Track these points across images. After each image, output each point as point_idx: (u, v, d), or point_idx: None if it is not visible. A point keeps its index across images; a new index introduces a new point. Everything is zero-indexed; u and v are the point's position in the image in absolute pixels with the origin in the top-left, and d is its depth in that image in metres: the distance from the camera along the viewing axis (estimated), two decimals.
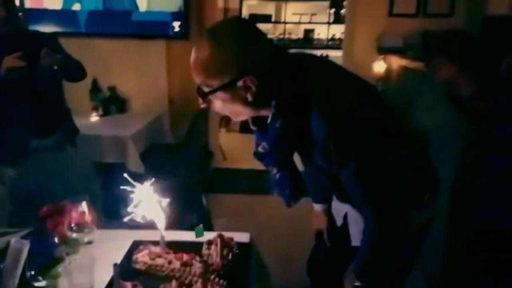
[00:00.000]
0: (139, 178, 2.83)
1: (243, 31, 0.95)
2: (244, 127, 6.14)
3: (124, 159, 2.76)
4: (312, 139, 0.98)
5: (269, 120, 1.02)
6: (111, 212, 2.05)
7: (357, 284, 1.09)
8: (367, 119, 0.96)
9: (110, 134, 2.78)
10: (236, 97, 0.96)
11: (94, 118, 3.08)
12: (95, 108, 3.13)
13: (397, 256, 1.07)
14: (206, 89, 0.97)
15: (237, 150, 5.00)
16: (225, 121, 6.06)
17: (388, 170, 0.99)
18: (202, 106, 1.02)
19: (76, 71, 2.13)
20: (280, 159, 1.11)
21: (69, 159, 2.07)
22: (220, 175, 4.06)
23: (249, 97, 0.96)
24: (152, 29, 3.07)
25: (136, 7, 3.03)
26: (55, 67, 1.90)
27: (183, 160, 3.27)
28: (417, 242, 1.20)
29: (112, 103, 3.25)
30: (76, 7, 3.07)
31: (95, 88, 3.18)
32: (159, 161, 3.14)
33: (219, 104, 1.00)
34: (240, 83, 0.93)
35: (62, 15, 3.08)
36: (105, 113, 3.18)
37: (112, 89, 3.26)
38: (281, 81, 0.98)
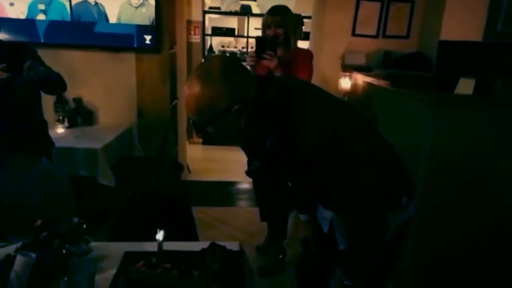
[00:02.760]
0: (110, 191, 2.80)
1: (228, 66, 1.06)
2: (207, 139, 6.17)
3: (95, 172, 2.70)
4: (299, 155, 1.08)
5: (259, 141, 1.13)
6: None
7: (346, 283, 1.18)
8: (346, 140, 1.08)
9: (80, 146, 2.72)
10: (229, 125, 1.07)
11: (60, 130, 2.99)
12: (60, 120, 3.05)
13: (379, 255, 1.18)
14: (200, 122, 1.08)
15: (201, 162, 5.00)
16: (188, 133, 6.06)
17: (368, 180, 1.10)
18: (198, 136, 1.13)
19: (56, 84, 2.10)
20: (271, 175, 1.20)
21: (44, 172, 2.01)
22: (189, 187, 4.05)
23: (242, 122, 1.06)
24: (122, 41, 3.06)
25: (106, 19, 3.01)
26: (36, 79, 1.87)
27: (154, 173, 3.25)
28: (397, 241, 1.32)
29: (78, 115, 3.17)
30: (41, 17, 3.00)
31: (60, 99, 3.10)
32: (130, 174, 3.11)
33: (216, 133, 1.09)
34: (231, 112, 1.04)
35: (21, 25, 2.99)
36: (71, 125, 3.10)
37: (77, 100, 3.19)
38: (269, 106, 1.08)
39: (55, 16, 3.00)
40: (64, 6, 2.97)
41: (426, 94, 2.25)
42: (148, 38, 3.07)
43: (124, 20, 3.01)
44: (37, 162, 2.02)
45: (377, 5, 3.30)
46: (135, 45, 3.07)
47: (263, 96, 1.08)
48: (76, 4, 2.97)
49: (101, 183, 2.72)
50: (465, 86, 2.32)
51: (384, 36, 3.39)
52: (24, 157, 1.95)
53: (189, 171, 4.54)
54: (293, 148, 1.07)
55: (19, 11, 2.97)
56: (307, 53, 2.41)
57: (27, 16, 2.99)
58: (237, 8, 7.11)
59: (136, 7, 3.00)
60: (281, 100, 1.09)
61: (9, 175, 1.83)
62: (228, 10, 7.36)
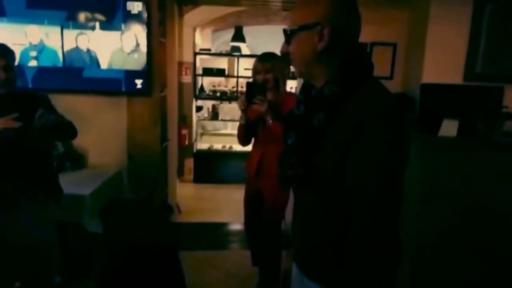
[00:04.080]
0: (97, 237, 2.75)
1: (343, 2, 1.07)
2: (198, 177, 6.15)
3: (81, 218, 2.66)
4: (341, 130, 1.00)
5: (319, 85, 1.10)
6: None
7: None
8: (402, 132, 1.00)
9: (67, 192, 2.68)
10: (309, 41, 1.06)
11: None
12: None
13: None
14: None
15: (192, 200, 4.96)
16: (179, 172, 6.04)
17: (393, 226, 1.00)
18: (283, 49, 1.13)
19: (68, 132, 2.14)
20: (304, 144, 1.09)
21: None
22: (180, 230, 3.99)
23: (320, 46, 1.05)
24: (112, 85, 3.11)
25: (98, 64, 3.07)
26: (47, 127, 1.91)
27: (143, 217, 3.21)
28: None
29: (67, 159, 3.16)
30: (32, 63, 3.05)
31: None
32: (118, 219, 3.06)
33: (294, 46, 1.10)
34: (318, 28, 1.04)
35: None
36: (60, 170, 3.08)
37: (67, 144, 3.18)
38: (350, 54, 1.07)
39: (46, 62, 3.05)
40: (55, 53, 3.03)
41: (413, 136, 2.30)
42: (139, 82, 3.13)
43: (115, 66, 3.07)
44: (47, 208, 2.02)
45: None
46: (124, 89, 3.12)
47: (351, 43, 1.08)
48: (68, 51, 3.03)
49: (87, 230, 2.67)
50: (449, 127, 2.38)
51: None
52: (36, 203, 1.97)
53: (180, 212, 4.50)
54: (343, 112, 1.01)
55: None
56: (295, 98, 2.47)
57: (18, 62, 3.03)
58: (228, 49, 7.31)
59: (128, 53, 3.07)
60: (362, 59, 1.08)
61: (21, 219, 1.82)
62: (219, 51, 7.56)
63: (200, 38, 6.93)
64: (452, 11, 3.02)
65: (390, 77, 3.51)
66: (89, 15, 2.99)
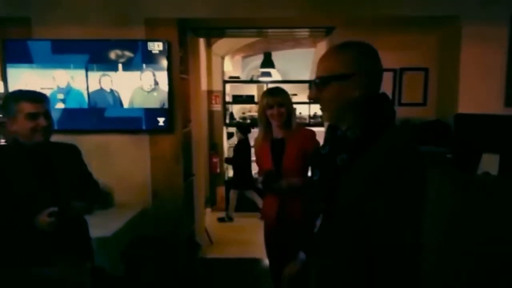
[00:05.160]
0: (119, 281, 2.70)
1: (368, 48, 1.17)
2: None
3: (104, 261, 2.63)
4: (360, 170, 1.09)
5: (344, 127, 1.18)
6: None
7: None
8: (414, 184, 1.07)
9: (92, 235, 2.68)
10: (345, 89, 1.14)
11: None
12: None
13: None
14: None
15: (224, 230, 4.87)
16: (211, 201, 6.00)
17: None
18: (312, 96, 1.20)
19: (104, 205, 2.15)
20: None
21: None
22: (207, 267, 3.87)
23: (356, 93, 1.13)
24: (134, 124, 3.12)
25: (121, 104, 3.10)
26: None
27: (168, 255, 3.15)
28: None
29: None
30: (60, 105, 3.12)
31: None
32: (142, 258, 3.02)
33: (328, 93, 1.16)
34: (355, 77, 1.12)
35: None
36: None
37: None
38: (374, 100, 1.15)
39: (73, 104, 3.12)
40: (81, 94, 3.09)
41: (451, 176, 2.09)
42: (160, 120, 3.12)
43: (136, 105, 3.09)
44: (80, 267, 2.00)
45: (389, 74, 3.25)
46: (145, 127, 3.14)
47: (376, 102, 1.15)
48: (93, 92, 3.09)
49: (108, 273, 2.64)
50: (489, 163, 2.15)
51: (400, 104, 3.30)
52: (70, 261, 1.93)
53: (211, 242, 4.42)
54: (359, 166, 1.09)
55: None
56: (312, 134, 2.35)
57: None
58: (259, 74, 7.31)
59: (148, 92, 3.08)
60: (381, 117, 1.14)
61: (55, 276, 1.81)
62: (250, 77, 7.58)
63: (231, 66, 6.99)
64: (486, 31, 2.80)
65: (423, 103, 3.29)
66: (111, 57, 3.04)
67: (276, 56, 7.11)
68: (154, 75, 3.07)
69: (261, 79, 6.94)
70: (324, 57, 1.19)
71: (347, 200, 1.11)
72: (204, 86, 5.37)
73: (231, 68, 7.08)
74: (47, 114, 1.83)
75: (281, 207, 2.29)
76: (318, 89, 1.17)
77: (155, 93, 3.09)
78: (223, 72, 6.25)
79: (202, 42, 5.02)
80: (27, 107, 1.77)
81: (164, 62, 3.05)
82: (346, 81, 1.12)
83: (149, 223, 3.24)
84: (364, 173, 1.07)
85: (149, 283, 2.96)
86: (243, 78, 7.75)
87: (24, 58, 3.02)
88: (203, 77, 5.05)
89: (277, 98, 2.28)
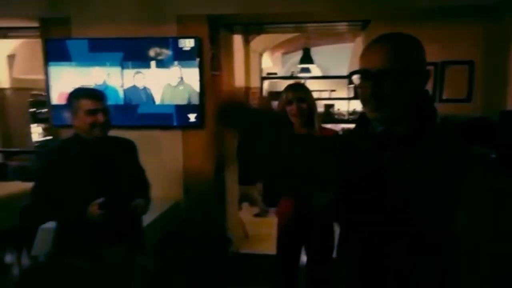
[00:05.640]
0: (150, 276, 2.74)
1: (420, 42, 1.12)
2: (268, 199, 6.02)
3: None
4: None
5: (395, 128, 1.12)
6: None
7: None
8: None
9: None
10: (414, 82, 1.08)
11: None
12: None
13: None
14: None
15: (260, 226, 4.84)
16: (246, 196, 6.00)
17: None
18: (372, 92, 1.07)
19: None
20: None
21: None
22: (241, 262, 3.84)
23: (421, 88, 1.10)
24: (165, 120, 3.17)
25: (153, 101, 3.16)
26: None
27: (199, 250, 3.19)
28: None
29: None
30: None
31: None
32: (173, 252, 3.07)
33: (397, 88, 1.05)
34: (421, 71, 1.09)
35: None
36: None
37: None
38: (427, 98, 1.15)
39: (110, 100, 3.22)
40: (117, 91, 3.19)
41: (494, 178, 1.91)
42: (192, 116, 3.15)
43: (167, 101, 3.14)
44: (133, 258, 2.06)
45: (430, 68, 3.05)
46: (176, 124, 3.18)
47: (426, 97, 1.14)
48: (127, 89, 3.17)
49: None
50: None
51: (441, 100, 3.09)
52: (121, 252, 1.99)
53: (247, 237, 4.42)
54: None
55: None
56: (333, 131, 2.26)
57: None
58: (298, 70, 7.21)
59: (179, 89, 3.12)
60: (429, 113, 1.11)
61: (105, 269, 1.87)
62: (290, 73, 7.49)
63: (270, 62, 6.94)
64: None
65: (467, 99, 3.06)
66: (144, 54, 3.10)
67: (315, 52, 6.97)
68: (185, 72, 3.10)
69: (300, 75, 6.84)
70: (384, 49, 1.05)
71: (400, 192, 1.06)
72: (240, 83, 5.36)
73: (271, 65, 7.03)
74: (105, 111, 1.93)
75: (298, 206, 2.23)
76: (379, 83, 1.04)
77: (186, 90, 3.12)
78: (261, 69, 6.21)
79: (238, 38, 5.01)
80: (87, 104, 1.87)
81: (195, 59, 3.07)
82: (415, 75, 1.06)
83: (180, 217, 3.29)
84: (421, 168, 1.04)
85: (179, 277, 3.01)
86: (283, 75, 7.68)
87: (64, 56, 3.16)
88: (238, 73, 5.04)
89: (297, 93, 2.16)
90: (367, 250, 1.14)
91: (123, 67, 3.14)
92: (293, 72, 7.50)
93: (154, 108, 3.17)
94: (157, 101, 3.16)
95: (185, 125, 3.19)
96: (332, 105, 6.17)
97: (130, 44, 3.10)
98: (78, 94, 1.93)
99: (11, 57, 5.14)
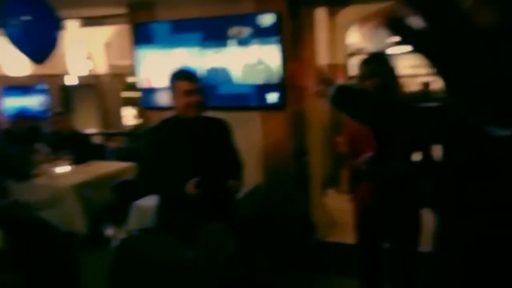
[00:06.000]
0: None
1: None
2: (354, 187, 5.72)
3: None
4: None
5: None
6: None
7: None
8: None
9: None
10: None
11: None
12: None
13: None
14: None
15: (346, 215, 4.60)
16: (333, 181, 5.76)
17: None
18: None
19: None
20: None
21: None
22: (326, 251, 3.66)
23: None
24: (245, 101, 3.09)
25: (232, 81, 3.09)
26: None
27: (279, 234, 3.11)
28: None
29: None
30: None
31: None
32: (251, 236, 3.03)
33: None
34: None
35: (160, 93, 3.32)
36: None
37: None
38: None
39: None
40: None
41: None
42: (271, 96, 3.02)
43: (246, 81, 3.05)
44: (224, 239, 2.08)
45: None
46: (255, 104, 3.08)
47: None
48: (207, 70, 3.15)
49: None
50: None
51: None
52: (219, 229, 1.98)
53: (332, 225, 4.23)
54: None
55: (161, 82, 3.32)
56: None
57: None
58: (390, 45, 6.64)
59: (258, 68, 3.00)
60: None
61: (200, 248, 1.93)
62: (381, 48, 6.93)
63: (358, 37, 6.50)
64: None
65: None
66: (223, 33, 3.03)
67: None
68: (264, 50, 2.97)
69: (392, 50, 6.28)
70: None
71: None
72: (323, 60, 5.08)
73: (359, 40, 6.58)
74: (200, 91, 1.98)
75: (378, 192, 2.03)
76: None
77: (265, 69, 2.99)
78: (347, 45, 5.83)
79: (321, 12, 4.71)
80: (183, 85, 1.95)
81: (275, 36, 2.91)
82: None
83: (261, 201, 3.22)
84: None
85: (259, 262, 2.96)
86: (373, 50, 7.14)
87: (149, 40, 3.24)
88: (322, 50, 4.77)
89: (369, 66, 1.91)
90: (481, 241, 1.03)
91: (203, 47, 3.11)
92: (384, 47, 6.93)
93: (233, 89, 3.11)
94: (236, 81, 3.08)
95: (265, 106, 3.07)
96: (428, 83, 5.58)
97: (209, 24, 3.06)
98: (176, 76, 2.00)
99: (108, 45, 5.52)
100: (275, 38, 2.92)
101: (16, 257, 1.68)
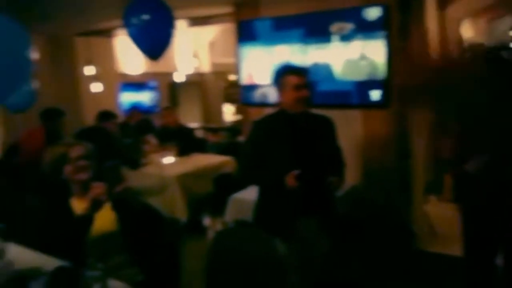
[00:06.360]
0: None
1: None
2: (457, 194, 5.19)
3: None
4: None
5: None
6: None
7: None
8: None
9: None
10: None
11: None
12: None
13: None
14: None
15: (451, 226, 4.20)
16: (437, 188, 5.32)
17: None
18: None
19: None
20: None
21: None
22: (427, 262, 3.38)
23: None
24: (345, 98, 3.00)
25: (333, 77, 3.02)
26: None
27: (375, 238, 2.96)
28: None
29: None
30: None
31: None
32: (346, 239, 2.93)
33: None
34: None
35: (261, 90, 3.37)
36: None
37: None
38: None
39: None
40: None
41: None
42: (374, 94, 2.88)
43: (347, 77, 2.96)
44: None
45: None
46: (355, 102, 2.97)
47: None
48: (309, 66, 3.10)
49: None
50: None
51: None
52: (313, 224, 2.02)
53: (435, 235, 3.90)
54: None
55: (262, 78, 3.37)
56: None
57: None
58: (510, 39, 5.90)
59: (362, 63, 2.88)
60: None
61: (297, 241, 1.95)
62: (499, 43, 6.21)
63: (473, 31, 5.89)
64: None
65: None
66: (325, 28, 2.97)
67: None
68: (368, 44, 2.84)
69: None
70: None
71: None
72: (433, 56, 4.69)
73: (474, 34, 5.95)
74: (309, 86, 1.99)
75: (493, 200, 1.84)
76: None
77: (368, 65, 2.86)
78: (461, 39, 5.31)
79: (431, 3, 4.36)
80: (294, 79, 1.94)
81: (381, 30, 2.77)
82: None
83: (357, 203, 3.10)
84: None
85: (354, 266, 2.85)
86: (490, 45, 6.42)
87: (252, 37, 3.32)
88: (432, 45, 4.41)
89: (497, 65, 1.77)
90: None
91: (305, 44, 3.09)
92: (503, 41, 6.17)
93: (333, 85, 3.04)
94: (337, 77, 3.00)
95: (366, 103, 2.94)
96: None
97: (311, 19, 3.03)
98: (285, 70, 2.00)
99: (211, 44, 5.81)
100: (381, 33, 2.77)
101: (126, 238, 1.80)
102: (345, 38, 2.91)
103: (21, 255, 1.70)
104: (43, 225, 1.79)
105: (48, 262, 1.61)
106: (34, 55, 2.03)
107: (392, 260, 3.04)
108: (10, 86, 1.96)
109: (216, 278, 1.82)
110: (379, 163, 3.04)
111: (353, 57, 2.91)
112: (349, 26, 2.88)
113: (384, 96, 2.85)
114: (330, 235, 2.12)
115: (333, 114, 3.13)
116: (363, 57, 2.88)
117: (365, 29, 2.83)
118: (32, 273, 1.49)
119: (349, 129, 3.10)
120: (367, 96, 2.90)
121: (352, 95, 2.97)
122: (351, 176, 3.14)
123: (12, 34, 1.89)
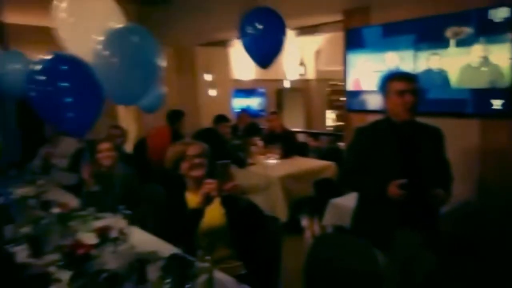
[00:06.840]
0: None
1: None
2: None
3: None
4: None
5: None
6: None
7: None
8: None
9: None
10: None
11: None
12: None
13: None
14: None
15: None
16: None
17: None
18: None
19: None
20: None
21: None
22: None
23: None
24: (457, 107, 2.80)
25: (448, 85, 2.84)
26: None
27: (489, 259, 2.69)
28: None
29: None
30: None
31: None
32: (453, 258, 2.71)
33: None
34: None
35: (368, 96, 3.31)
36: None
37: None
38: None
39: None
40: None
41: None
42: (496, 102, 2.63)
43: (464, 84, 2.75)
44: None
45: None
46: (472, 111, 2.74)
47: None
48: (420, 73, 2.98)
49: None
50: None
51: None
52: (417, 239, 1.90)
53: None
54: None
55: (369, 85, 3.33)
56: None
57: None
58: None
59: (481, 70, 2.66)
60: None
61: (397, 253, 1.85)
62: None
63: None
64: None
65: None
66: (440, 33, 2.81)
67: None
68: (491, 49, 2.61)
69: None
70: None
71: None
72: None
73: None
74: (415, 92, 1.87)
75: None
76: None
77: (490, 71, 2.62)
78: None
79: None
80: (398, 84, 1.87)
81: (507, 33, 2.52)
82: None
83: (468, 220, 2.85)
84: None
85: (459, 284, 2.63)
86: None
87: (360, 44, 3.30)
88: None
89: None
90: None
91: (416, 50, 2.97)
92: None
93: (446, 93, 2.85)
94: (453, 84, 2.81)
95: (485, 113, 2.70)
96: None
97: (423, 24, 2.89)
98: (390, 76, 1.95)
99: (317, 52, 5.88)
100: (507, 35, 2.53)
101: (232, 233, 1.91)
102: (463, 43, 2.72)
103: (141, 239, 1.94)
104: (162, 213, 1.99)
105: (164, 248, 1.81)
106: (163, 63, 2.28)
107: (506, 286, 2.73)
108: (143, 89, 2.27)
109: (314, 283, 1.84)
110: (498, 178, 2.76)
111: (472, 63, 2.70)
112: (466, 30, 2.69)
113: (507, 105, 2.59)
114: (436, 252, 2.00)
115: (445, 124, 2.96)
116: (484, 63, 2.65)
117: (488, 32, 2.60)
118: (150, 257, 1.68)
119: (463, 140, 2.87)
120: (487, 104, 2.67)
121: (467, 104, 2.76)
122: (462, 191, 2.91)
123: (147, 45, 2.18)
